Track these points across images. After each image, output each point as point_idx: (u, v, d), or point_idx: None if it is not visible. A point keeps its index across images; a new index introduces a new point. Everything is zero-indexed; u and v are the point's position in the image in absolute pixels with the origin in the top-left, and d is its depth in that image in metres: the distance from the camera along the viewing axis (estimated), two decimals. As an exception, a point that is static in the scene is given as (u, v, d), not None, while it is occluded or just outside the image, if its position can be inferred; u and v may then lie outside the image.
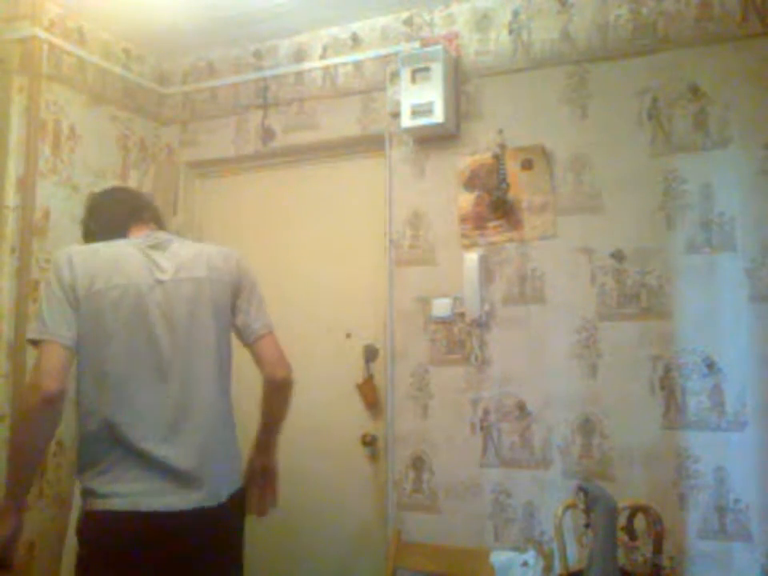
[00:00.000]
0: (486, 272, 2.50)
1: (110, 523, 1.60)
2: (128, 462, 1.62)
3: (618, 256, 2.33)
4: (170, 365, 1.69)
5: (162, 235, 1.84)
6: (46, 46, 2.60)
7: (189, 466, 1.65)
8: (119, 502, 1.59)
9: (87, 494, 1.64)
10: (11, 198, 2.48)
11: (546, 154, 2.46)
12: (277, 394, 1.92)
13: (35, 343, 1.64)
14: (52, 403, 1.59)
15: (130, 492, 1.60)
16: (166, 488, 1.62)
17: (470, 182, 2.56)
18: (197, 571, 1.66)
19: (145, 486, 1.61)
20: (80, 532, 1.66)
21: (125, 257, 1.74)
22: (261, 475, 1.93)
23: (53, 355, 1.61)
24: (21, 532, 1.67)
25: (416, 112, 2.52)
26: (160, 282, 1.72)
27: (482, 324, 2.48)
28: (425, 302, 2.58)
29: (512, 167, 2.50)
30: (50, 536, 2.51)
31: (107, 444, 1.64)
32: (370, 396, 2.71)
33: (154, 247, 1.78)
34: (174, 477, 1.63)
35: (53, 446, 2.54)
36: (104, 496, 1.60)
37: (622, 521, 2.03)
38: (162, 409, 1.67)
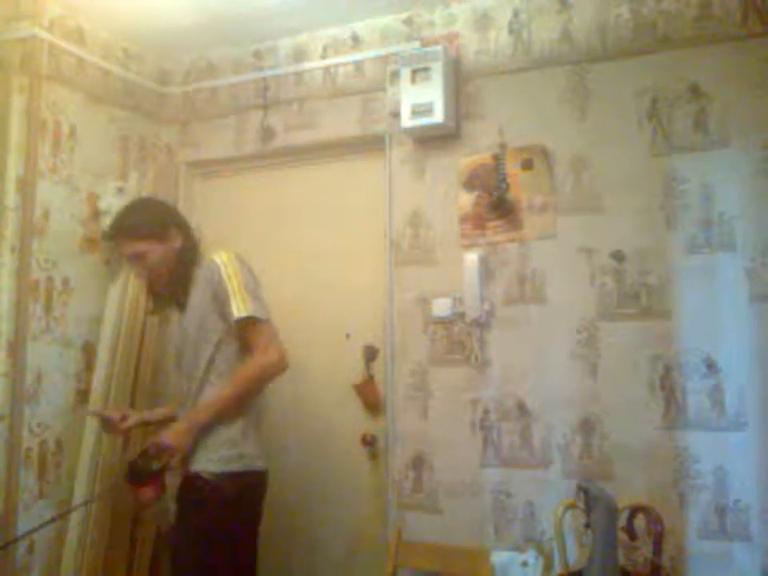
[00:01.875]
0: (486, 272, 2.50)
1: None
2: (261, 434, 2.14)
3: (617, 256, 2.33)
4: None
5: None
6: (46, 46, 2.59)
7: None
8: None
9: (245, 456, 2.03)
10: (11, 198, 2.48)
11: (546, 154, 2.46)
12: None
13: (252, 320, 1.99)
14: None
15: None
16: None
17: (470, 182, 2.56)
18: None
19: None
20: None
21: None
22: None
23: (278, 336, 2.05)
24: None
25: (416, 112, 2.52)
26: None
27: (481, 324, 2.48)
28: (425, 302, 2.58)
29: (512, 167, 2.50)
30: (51, 535, 2.51)
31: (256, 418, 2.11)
32: (370, 396, 2.71)
33: None
34: None
35: (52, 446, 2.54)
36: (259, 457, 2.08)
37: (622, 521, 2.03)
38: None
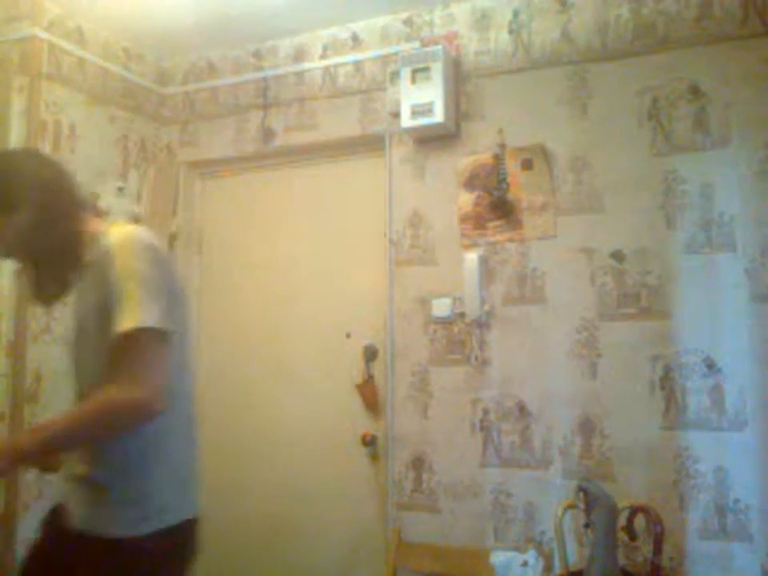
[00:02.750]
0: (486, 272, 2.50)
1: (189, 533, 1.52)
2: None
3: (617, 256, 2.33)
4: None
5: None
6: (45, 46, 2.60)
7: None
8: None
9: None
10: (11, 197, 2.48)
11: (546, 154, 2.46)
12: None
13: (140, 334, 1.34)
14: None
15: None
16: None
17: (470, 181, 2.56)
18: None
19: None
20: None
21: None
22: None
23: (167, 363, 1.38)
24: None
25: (416, 112, 2.52)
26: None
27: (482, 324, 2.48)
28: (425, 301, 2.58)
29: (512, 167, 2.50)
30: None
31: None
32: (370, 396, 2.71)
33: None
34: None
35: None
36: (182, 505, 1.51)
37: (622, 521, 2.03)
38: (194, 419, 1.58)
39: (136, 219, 2.89)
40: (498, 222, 2.51)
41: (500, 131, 2.53)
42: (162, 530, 1.42)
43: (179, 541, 1.48)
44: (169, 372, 1.39)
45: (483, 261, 2.50)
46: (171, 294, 1.43)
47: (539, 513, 2.35)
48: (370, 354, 2.74)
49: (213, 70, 3.10)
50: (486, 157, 2.54)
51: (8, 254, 1.58)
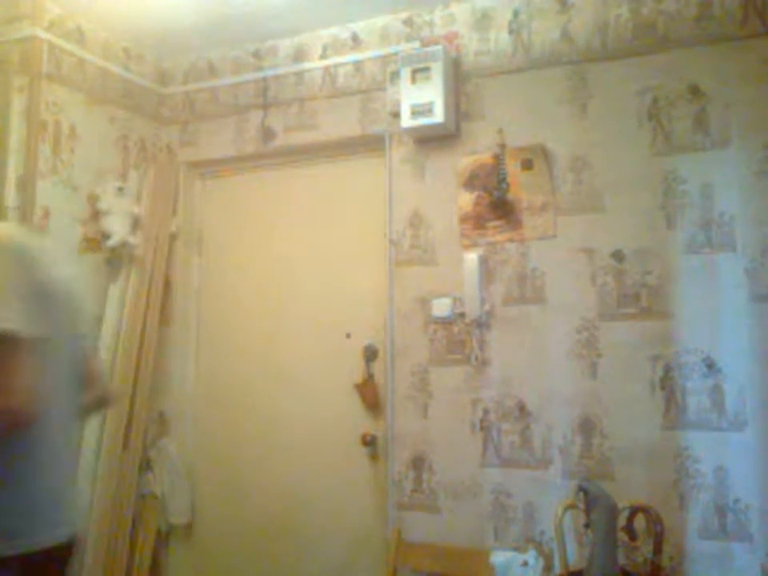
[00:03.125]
0: (486, 272, 2.50)
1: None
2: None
3: (617, 256, 2.33)
4: None
5: None
6: (45, 46, 2.60)
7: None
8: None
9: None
10: (11, 197, 2.48)
11: (546, 154, 2.46)
12: None
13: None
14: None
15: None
16: None
17: (470, 181, 2.56)
18: None
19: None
20: None
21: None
22: None
23: (32, 368, 1.27)
24: None
25: (416, 112, 2.52)
26: None
27: (482, 324, 2.48)
28: (425, 301, 2.58)
29: (512, 167, 2.50)
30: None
31: None
32: (370, 396, 2.71)
33: None
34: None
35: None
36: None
37: (621, 521, 2.03)
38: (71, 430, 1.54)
39: (136, 219, 2.90)
40: (497, 222, 2.51)
41: (500, 131, 2.53)
42: (26, 554, 1.29)
43: (38, 570, 1.32)
44: (37, 378, 1.28)
45: (483, 261, 2.50)
46: (38, 297, 1.32)
47: (539, 513, 2.35)
48: (370, 354, 2.74)
49: (213, 70, 3.10)
50: (485, 157, 2.54)
51: None
